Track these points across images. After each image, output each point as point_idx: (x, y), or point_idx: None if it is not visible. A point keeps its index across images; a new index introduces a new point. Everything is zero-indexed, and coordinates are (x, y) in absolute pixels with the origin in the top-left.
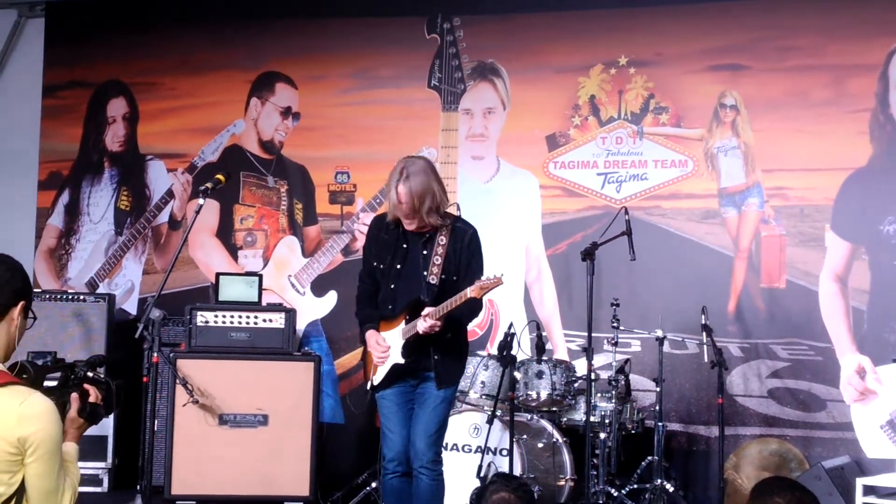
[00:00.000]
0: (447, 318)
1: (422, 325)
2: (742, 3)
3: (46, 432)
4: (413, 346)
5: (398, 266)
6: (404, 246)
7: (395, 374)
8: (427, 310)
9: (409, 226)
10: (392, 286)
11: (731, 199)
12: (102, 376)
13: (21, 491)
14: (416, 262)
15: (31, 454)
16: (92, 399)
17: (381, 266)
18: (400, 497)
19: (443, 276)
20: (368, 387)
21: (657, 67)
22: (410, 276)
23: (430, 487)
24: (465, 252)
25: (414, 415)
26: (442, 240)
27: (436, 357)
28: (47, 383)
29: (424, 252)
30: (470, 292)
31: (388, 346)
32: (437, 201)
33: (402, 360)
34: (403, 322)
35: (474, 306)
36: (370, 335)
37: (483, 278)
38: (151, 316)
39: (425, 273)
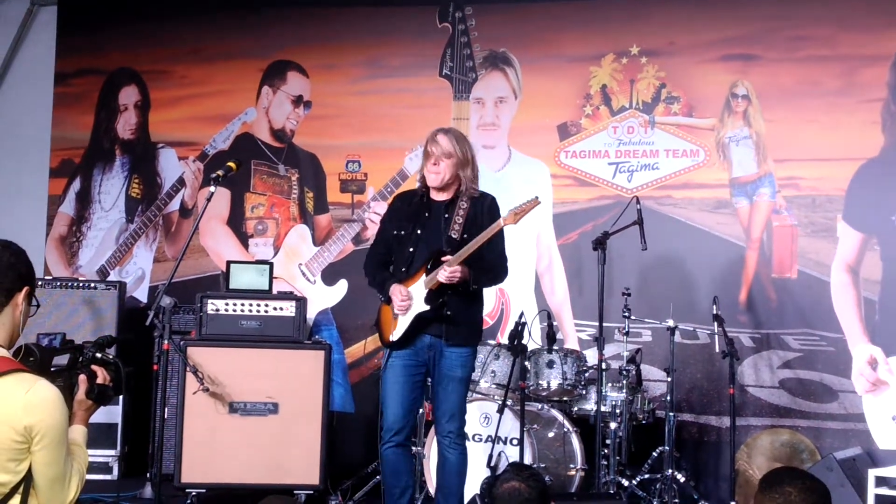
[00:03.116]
0: (472, 266)
1: (443, 273)
2: None
3: (53, 420)
4: (436, 294)
5: (419, 231)
6: (426, 214)
7: (412, 331)
8: (447, 258)
9: (436, 181)
10: (411, 249)
11: (742, 189)
12: (111, 357)
13: (28, 478)
14: (437, 225)
15: (37, 442)
16: (100, 380)
17: (402, 233)
18: (395, 469)
19: (465, 235)
20: (388, 342)
21: (669, 57)
22: (431, 237)
23: (456, 461)
24: (487, 214)
25: (434, 394)
26: (463, 204)
27: (448, 313)
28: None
29: (446, 216)
30: (503, 221)
31: (408, 297)
32: (476, 169)
33: (426, 307)
34: (424, 274)
35: (496, 267)
36: (394, 288)
37: (516, 205)
38: (162, 304)
39: (447, 230)
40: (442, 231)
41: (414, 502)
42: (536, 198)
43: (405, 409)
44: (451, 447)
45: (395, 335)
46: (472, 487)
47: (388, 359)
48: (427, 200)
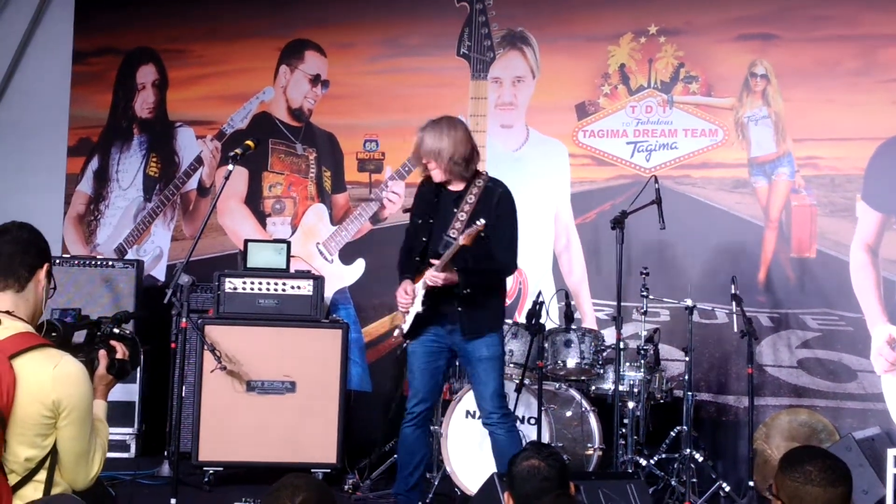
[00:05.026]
0: (467, 274)
1: (427, 276)
2: None
3: (80, 395)
4: (431, 295)
5: (430, 221)
6: (436, 201)
7: (420, 322)
8: (433, 261)
9: (437, 177)
10: (424, 239)
11: (761, 169)
12: (128, 332)
13: (53, 453)
14: (445, 219)
15: (64, 417)
16: (119, 355)
17: (420, 221)
18: (411, 447)
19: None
20: (398, 334)
21: (687, 36)
22: (440, 231)
23: (507, 440)
24: (493, 213)
25: (468, 375)
26: (471, 198)
27: (459, 309)
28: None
29: (455, 210)
30: (462, 240)
31: (412, 296)
32: (462, 153)
33: (420, 309)
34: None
35: (498, 270)
36: (400, 287)
37: (472, 226)
38: (180, 282)
39: (450, 226)
40: (449, 226)
41: (423, 480)
42: (480, 221)
43: (426, 391)
44: (499, 429)
45: (405, 327)
46: (490, 466)
47: (410, 345)
48: (439, 188)
